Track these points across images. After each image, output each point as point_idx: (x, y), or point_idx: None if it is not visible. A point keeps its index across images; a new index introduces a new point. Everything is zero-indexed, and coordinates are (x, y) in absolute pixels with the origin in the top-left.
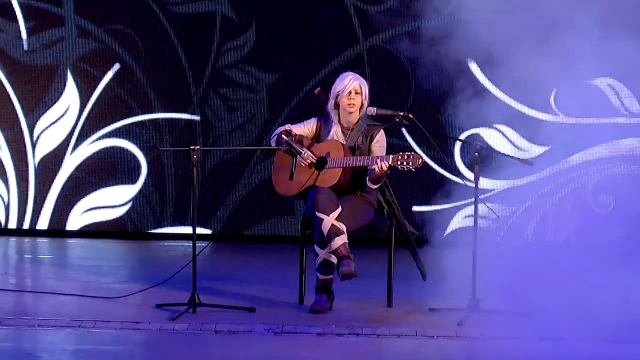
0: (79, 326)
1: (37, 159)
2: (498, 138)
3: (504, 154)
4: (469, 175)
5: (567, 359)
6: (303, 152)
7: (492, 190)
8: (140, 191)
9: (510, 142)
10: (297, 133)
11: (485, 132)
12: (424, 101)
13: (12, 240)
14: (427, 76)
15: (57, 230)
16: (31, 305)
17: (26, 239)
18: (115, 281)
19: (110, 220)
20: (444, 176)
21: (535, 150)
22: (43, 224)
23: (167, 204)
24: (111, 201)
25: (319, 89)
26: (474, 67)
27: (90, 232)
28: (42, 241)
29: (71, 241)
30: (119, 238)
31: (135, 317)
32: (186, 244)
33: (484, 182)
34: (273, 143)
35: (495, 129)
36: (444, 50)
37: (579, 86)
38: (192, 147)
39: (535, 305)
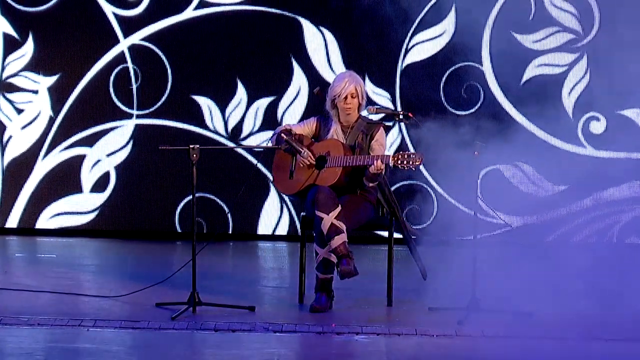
0: (79, 325)
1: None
2: (518, 173)
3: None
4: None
5: (568, 358)
6: (303, 151)
7: (509, 226)
8: (116, 190)
9: (528, 177)
10: (297, 132)
11: (506, 168)
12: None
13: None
14: None
15: (26, 228)
16: (30, 304)
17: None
18: (113, 280)
19: (88, 221)
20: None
21: (558, 184)
22: (12, 222)
23: (147, 204)
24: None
25: (318, 88)
26: (497, 92)
27: (72, 230)
28: (32, 240)
29: (63, 240)
30: (94, 237)
31: (134, 316)
32: (168, 243)
33: (504, 217)
34: (273, 142)
35: (516, 165)
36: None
37: (609, 116)
38: (191, 147)
39: (535, 304)
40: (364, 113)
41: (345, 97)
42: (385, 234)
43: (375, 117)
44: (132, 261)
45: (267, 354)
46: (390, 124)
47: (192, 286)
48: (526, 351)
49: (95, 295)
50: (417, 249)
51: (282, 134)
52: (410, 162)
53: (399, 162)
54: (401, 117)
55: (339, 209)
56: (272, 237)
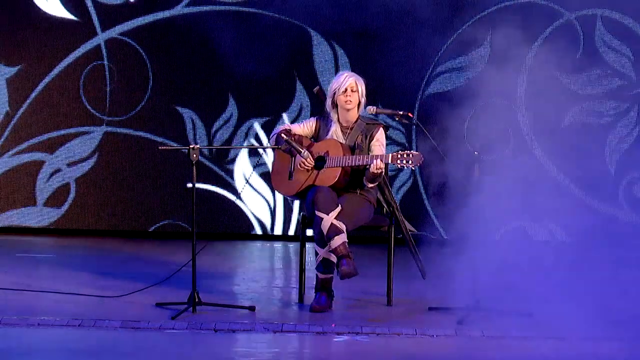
0: (79, 325)
1: None
2: (543, 234)
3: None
4: None
5: (568, 358)
6: (302, 152)
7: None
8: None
9: (555, 238)
10: (297, 133)
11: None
12: None
13: None
14: None
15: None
16: (31, 304)
17: None
18: (113, 279)
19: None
20: None
21: (588, 250)
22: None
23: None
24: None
25: (318, 87)
26: (529, 137)
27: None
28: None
29: (59, 239)
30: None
31: (135, 316)
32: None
33: None
34: (272, 142)
35: (542, 224)
36: None
37: None
38: (191, 147)
39: (535, 304)
40: (369, 111)
41: (345, 90)
42: (385, 234)
43: (386, 116)
44: (129, 261)
45: (267, 354)
46: (390, 124)
47: (192, 286)
48: (526, 351)
49: (95, 295)
50: (416, 249)
51: (282, 134)
52: (410, 162)
53: (398, 161)
54: (402, 117)
55: (338, 209)
56: (273, 237)
